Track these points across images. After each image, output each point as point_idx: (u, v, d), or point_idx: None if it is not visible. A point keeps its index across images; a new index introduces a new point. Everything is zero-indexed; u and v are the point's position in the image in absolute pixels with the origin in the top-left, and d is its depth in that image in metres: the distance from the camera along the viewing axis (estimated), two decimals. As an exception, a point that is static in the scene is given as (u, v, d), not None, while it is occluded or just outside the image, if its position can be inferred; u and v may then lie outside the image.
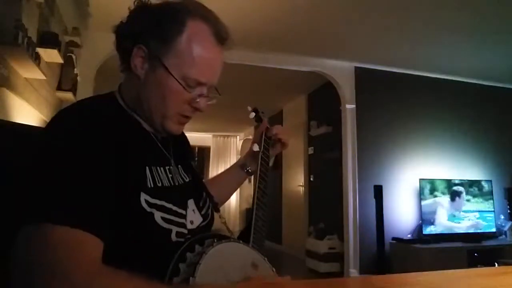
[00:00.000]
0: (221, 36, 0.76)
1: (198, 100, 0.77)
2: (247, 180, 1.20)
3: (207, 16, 0.75)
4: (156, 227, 0.68)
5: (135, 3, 0.76)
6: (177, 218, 0.73)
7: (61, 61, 2.61)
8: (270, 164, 1.06)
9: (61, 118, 0.69)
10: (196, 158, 9.23)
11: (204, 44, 0.74)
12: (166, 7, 0.74)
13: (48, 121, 0.68)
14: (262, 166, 0.99)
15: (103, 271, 0.56)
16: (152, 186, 0.70)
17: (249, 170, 1.10)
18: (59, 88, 2.89)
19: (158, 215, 0.68)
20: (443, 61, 4.37)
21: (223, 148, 9.22)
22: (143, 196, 0.67)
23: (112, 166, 0.64)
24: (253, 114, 1.10)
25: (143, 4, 0.76)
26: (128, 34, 0.74)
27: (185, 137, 0.97)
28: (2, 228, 0.66)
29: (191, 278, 0.60)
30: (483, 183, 4.47)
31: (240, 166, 1.11)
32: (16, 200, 0.60)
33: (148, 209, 0.67)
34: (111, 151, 0.65)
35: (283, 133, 1.08)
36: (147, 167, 0.72)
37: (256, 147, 1.02)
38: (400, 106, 4.57)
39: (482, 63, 4.39)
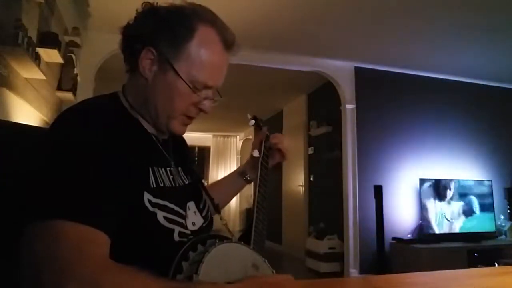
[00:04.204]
0: (228, 42, 0.78)
1: (204, 102, 0.79)
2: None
3: (216, 22, 0.77)
4: (158, 226, 0.69)
5: (143, 5, 0.77)
6: (178, 218, 0.74)
7: (61, 61, 2.62)
8: (270, 166, 1.07)
9: (66, 118, 0.69)
10: (196, 158, 9.23)
11: (213, 50, 0.76)
12: (175, 11, 0.76)
13: (48, 121, 0.68)
14: (262, 171, 1.00)
15: (111, 267, 0.57)
16: (155, 186, 0.71)
17: (248, 178, 1.11)
18: (59, 88, 2.90)
19: (160, 215, 0.69)
20: (443, 61, 4.37)
21: (223, 148, 9.22)
22: (146, 196, 0.68)
23: (118, 165, 0.65)
24: (252, 122, 1.12)
25: (153, 7, 0.77)
26: (137, 36, 0.75)
27: (184, 140, 0.98)
28: (5, 226, 0.66)
29: (194, 275, 0.61)
30: (483, 183, 4.47)
31: (239, 173, 1.12)
32: (21, 198, 0.60)
33: (151, 209, 0.68)
34: (116, 150, 0.66)
35: (282, 142, 1.09)
36: (149, 167, 0.73)
37: (256, 153, 1.03)
38: (400, 106, 4.57)
39: (481, 63, 4.39)
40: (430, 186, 4.19)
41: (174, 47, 0.74)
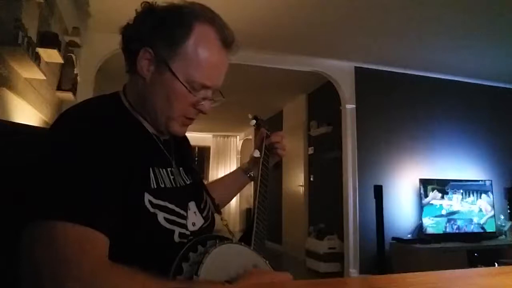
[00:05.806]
0: (227, 40, 0.76)
1: (202, 103, 0.78)
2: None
3: (214, 20, 0.76)
4: (159, 227, 0.68)
5: (142, 5, 0.76)
6: (179, 219, 0.73)
7: (61, 61, 2.62)
8: (270, 165, 1.07)
9: (67, 118, 0.69)
10: (196, 158, 9.23)
11: (211, 49, 0.74)
12: (173, 10, 0.74)
13: (48, 121, 0.68)
14: (263, 171, 1.00)
15: (110, 267, 0.57)
16: (155, 187, 0.71)
17: (252, 175, 1.11)
18: (59, 88, 2.90)
19: (161, 216, 0.69)
20: (443, 61, 4.37)
21: (223, 148, 9.22)
22: (147, 197, 0.68)
23: (118, 166, 0.65)
24: (253, 122, 1.12)
25: (151, 7, 0.76)
26: (135, 36, 0.75)
27: (187, 139, 0.97)
28: (5, 226, 0.66)
29: (194, 276, 0.61)
30: (483, 183, 4.47)
31: (243, 170, 1.12)
32: (21, 198, 0.60)
33: (152, 210, 0.68)
34: (117, 151, 0.66)
35: (281, 141, 1.09)
36: (150, 168, 0.72)
37: (257, 153, 1.04)
38: (400, 106, 4.57)
39: (482, 63, 4.39)
40: (430, 186, 4.19)
41: (170, 47, 0.72)
